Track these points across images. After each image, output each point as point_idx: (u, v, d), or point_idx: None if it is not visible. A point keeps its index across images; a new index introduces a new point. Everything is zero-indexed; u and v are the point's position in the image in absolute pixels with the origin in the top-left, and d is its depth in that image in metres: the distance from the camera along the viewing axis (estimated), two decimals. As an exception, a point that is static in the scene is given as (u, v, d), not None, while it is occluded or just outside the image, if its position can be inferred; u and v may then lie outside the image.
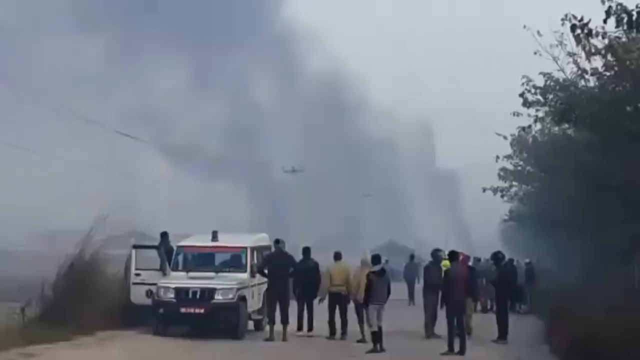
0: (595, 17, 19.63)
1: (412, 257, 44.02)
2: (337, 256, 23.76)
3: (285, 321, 22.10)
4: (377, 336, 20.23)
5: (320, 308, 23.34)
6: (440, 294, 21.78)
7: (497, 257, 24.18)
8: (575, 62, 24.13)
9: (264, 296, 23.09)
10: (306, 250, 23.53)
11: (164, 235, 24.17)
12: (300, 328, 23.02)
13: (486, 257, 36.11)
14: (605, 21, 19.15)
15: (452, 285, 20.35)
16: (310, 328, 23.13)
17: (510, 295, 24.05)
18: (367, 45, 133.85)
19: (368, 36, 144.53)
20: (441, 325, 21.38)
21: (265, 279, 22.62)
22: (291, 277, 22.60)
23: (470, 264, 25.53)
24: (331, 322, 23.01)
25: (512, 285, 24.23)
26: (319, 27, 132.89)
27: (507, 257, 25.54)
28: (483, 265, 34.22)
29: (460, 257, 21.51)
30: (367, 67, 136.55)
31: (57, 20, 75.64)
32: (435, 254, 24.46)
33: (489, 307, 32.52)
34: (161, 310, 21.47)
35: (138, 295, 22.65)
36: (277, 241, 22.92)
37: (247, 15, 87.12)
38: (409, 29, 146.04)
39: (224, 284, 21.64)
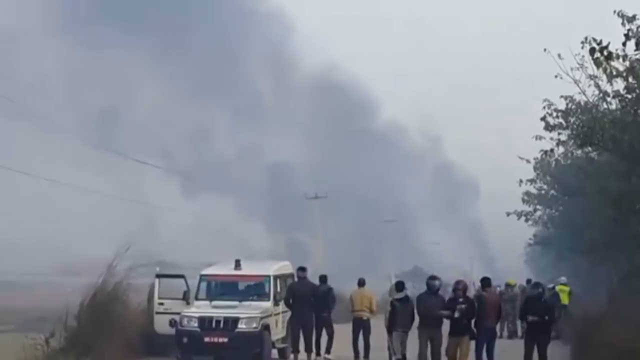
0: (616, 39, 19.63)
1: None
2: (361, 282, 24.13)
3: (309, 349, 22.02)
4: (402, 364, 20.13)
5: (343, 332, 23.34)
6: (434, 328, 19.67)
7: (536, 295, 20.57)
8: (597, 85, 24.07)
9: (288, 324, 23.03)
10: (323, 278, 23.59)
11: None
12: (318, 353, 23.01)
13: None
14: (624, 44, 19.17)
15: (485, 312, 20.03)
16: (327, 350, 23.16)
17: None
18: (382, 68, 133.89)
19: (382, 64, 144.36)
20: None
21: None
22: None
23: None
24: (355, 346, 23.32)
25: (551, 320, 20.90)
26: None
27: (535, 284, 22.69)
28: (511, 293, 34.20)
29: (460, 286, 19.70)
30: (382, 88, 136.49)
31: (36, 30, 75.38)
32: (430, 283, 20.03)
33: (517, 333, 32.28)
34: (185, 340, 21.37)
35: (161, 325, 22.61)
36: (300, 269, 22.89)
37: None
38: (427, 52, 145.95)
39: (248, 313, 21.57)
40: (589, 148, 28.08)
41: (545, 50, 23.36)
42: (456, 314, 18.91)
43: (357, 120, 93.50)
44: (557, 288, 32.85)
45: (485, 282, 20.92)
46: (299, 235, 79.29)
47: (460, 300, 19.24)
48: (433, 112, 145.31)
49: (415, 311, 19.96)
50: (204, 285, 22.93)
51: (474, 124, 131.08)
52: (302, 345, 22.14)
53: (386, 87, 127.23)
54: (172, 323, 22.14)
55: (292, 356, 22.31)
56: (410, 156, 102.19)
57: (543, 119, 26.58)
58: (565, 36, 22.33)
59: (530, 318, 19.91)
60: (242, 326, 21.30)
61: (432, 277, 20.29)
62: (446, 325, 19.36)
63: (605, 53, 19.22)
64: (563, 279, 34.14)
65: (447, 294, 20.69)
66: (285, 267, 24.45)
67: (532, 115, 28.39)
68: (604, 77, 22.44)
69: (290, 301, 22.18)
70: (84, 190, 61.57)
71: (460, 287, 19.42)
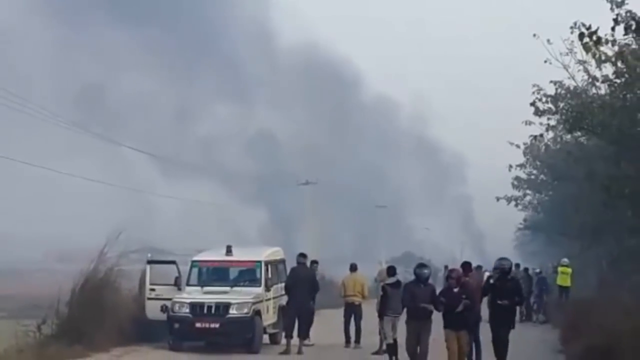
0: (605, 24, 19.69)
1: (446, 267, 44.38)
2: (353, 267, 24.36)
3: (303, 335, 22.08)
4: (392, 348, 20.18)
5: (335, 317, 23.45)
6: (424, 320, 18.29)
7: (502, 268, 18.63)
8: (586, 70, 24.20)
9: (280, 309, 23.11)
10: (312, 262, 23.77)
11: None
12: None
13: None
14: (613, 29, 19.24)
15: (471, 296, 19.83)
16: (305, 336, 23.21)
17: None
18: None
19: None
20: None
21: (280, 293, 22.72)
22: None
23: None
24: (346, 331, 23.59)
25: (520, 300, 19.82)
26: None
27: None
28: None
29: (454, 274, 18.39)
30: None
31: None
32: (419, 272, 18.34)
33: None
34: (176, 325, 21.48)
35: (153, 311, 22.61)
36: (301, 255, 22.94)
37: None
38: (427, 52, 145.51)
39: (239, 299, 21.65)
40: (578, 133, 28.26)
41: (534, 35, 23.48)
42: (460, 308, 17.52)
43: (348, 104, 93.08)
44: (560, 269, 32.78)
45: (467, 266, 20.61)
46: (290, 220, 79.22)
47: (456, 290, 17.86)
48: (433, 112, 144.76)
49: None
50: (195, 271, 22.96)
51: (474, 123, 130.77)
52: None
53: (386, 86, 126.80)
54: (164, 309, 22.17)
55: (284, 340, 22.34)
56: (401, 141, 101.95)
57: (532, 104, 26.67)
58: (564, 35, 22.36)
59: (499, 302, 18.17)
60: (233, 312, 21.39)
61: (421, 265, 18.94)
62: (437, 317, 18.15)
63: (594, 38, 19.28)
64: (565, 260, 33.20)
65: (437, 280, 20.65)
66: (276, 252, 24.49)
67: (522, 101, 28.48)
68: (593, 62, 22.56)
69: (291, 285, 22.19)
70: (74, 178, 61.33)
71: (454, 276, 18.11)
